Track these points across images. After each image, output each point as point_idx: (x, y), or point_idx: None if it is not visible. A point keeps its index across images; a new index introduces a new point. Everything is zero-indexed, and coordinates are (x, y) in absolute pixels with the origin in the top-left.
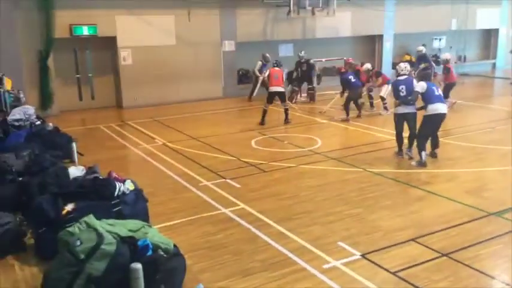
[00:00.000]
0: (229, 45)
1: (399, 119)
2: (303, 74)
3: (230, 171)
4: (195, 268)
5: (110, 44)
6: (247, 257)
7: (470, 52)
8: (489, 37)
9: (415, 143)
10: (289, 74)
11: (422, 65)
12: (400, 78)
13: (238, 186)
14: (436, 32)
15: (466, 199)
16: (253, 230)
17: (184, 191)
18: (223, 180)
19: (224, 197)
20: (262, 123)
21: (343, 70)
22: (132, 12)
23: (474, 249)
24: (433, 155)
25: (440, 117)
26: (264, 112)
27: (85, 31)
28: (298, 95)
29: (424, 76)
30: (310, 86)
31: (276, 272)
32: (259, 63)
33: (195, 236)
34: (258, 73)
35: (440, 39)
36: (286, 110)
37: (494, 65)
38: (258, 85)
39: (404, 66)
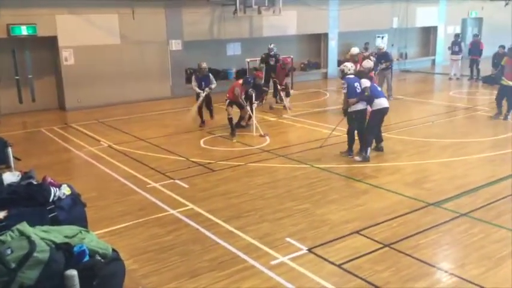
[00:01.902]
0: (176, 44)
1: (356, 117)
2: (269, 69)
3: (179, 172)
4: (141, 272)
5: (50, 44)
6: (195, 258)
7: (411, 49)
8: (428, 34)
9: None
10: (255, 69)
11: (384, 64)
12: (350, 76)
13: (186, 186)
14: (378, 30)
15: (408, 191)
16: (202, 230)
17: (131, 193)
18: (172, 181)
19: (172, 198)
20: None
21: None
22: (74, 11)
23: (415, 239)
24: (380, 148)
25: (385, 111)
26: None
27: (24, 31)
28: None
29: (361, 73)
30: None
31: (224, 271)
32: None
33: (142, 239)
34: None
35: (382, 37)
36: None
37: (433, 61)
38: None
39: (351, 66)
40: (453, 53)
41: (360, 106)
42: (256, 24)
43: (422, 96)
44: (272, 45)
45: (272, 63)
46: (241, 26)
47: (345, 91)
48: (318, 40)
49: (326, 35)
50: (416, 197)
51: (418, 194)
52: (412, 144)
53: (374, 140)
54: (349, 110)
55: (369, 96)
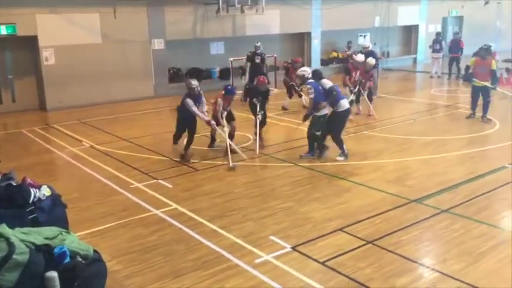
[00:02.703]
0: (158, 44)
1: (323, 120)
2: (255, 67)
3: (162, 172)
4: (124, 273)
5: (30, 43)
6: (179, 258)
7: (393, 48)
8: (410, 33)
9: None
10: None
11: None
12: (311, 80)
13: (170, 186)
14: (361, 29)
15: (390, 188)
16: (186, 229)
17: (114, 194)
18: (155, 181)
19: (156, 198)
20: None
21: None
22: (54, 10)
23: (397, 236)
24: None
25: (349, 112)
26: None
27: (3, 30)
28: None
29: (318, 74)
30: None
31: (208, 270)
32: None
33: (125, 240)
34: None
35: (365, 36)
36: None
37: (415, 59)
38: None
39: (309, 69)
40: (434, 51)
41: (327, 110)
42: (239, 23)
43: (404, 94)
44: (259, 44)
45: (258, 61)
46: (224, 25)
47: (312, 96)
48: (301, 39)
49: (309, 34)
50: (398, 194)
51: (400, 191)
52: (393, 142)
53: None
54: (317, 114)
55: (336, 96)
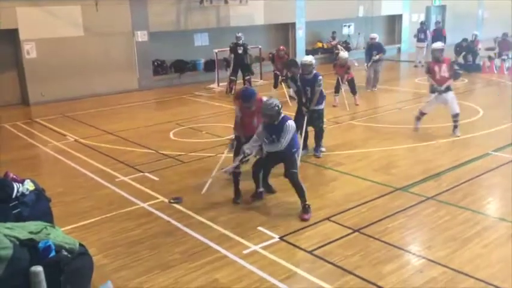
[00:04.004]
0: (142, 36)
1: (319, 115)
2: (238, 59)
3: (148, 165)
4: (111, 266)
5: (11, 37)
6: (166, 250)
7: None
8: (394, 23)
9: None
10: (225, 60)
11: (376, 56)
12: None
13: (156, 179)
14: (345, 19)
15: (376, 177)
16: (173, 222)
17: (100, 188)
18: (141, 174)
19: (142, 191)
20: None
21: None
22: (35, 3)
23: (383, 223)
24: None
25: None
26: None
27: None
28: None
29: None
30: (247, 75)
31: (196, 262)
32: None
33: (112, 234)
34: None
35: (349, 26)
36: None
37: (399, 49)
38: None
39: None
40: (419, 40)
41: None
42: (223, 14)
43: (389, 83)
44: (240, 34)
45: (240, 51)
46: (208, 16)
47: (321, 87)
48: (286, 30)
49: (293, 24)
50: (384, 183)
51: (385, 179)
52: (379, 131)
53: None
54: (321, 107)
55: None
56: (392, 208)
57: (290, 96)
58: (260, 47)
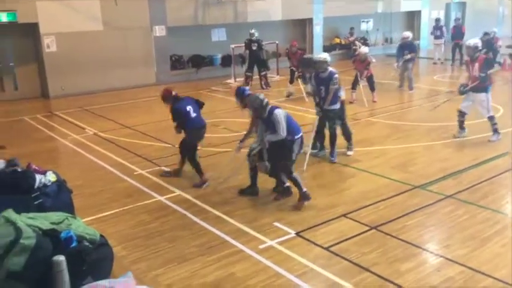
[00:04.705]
0: (160, 30)
1: (336, 115)
2: (253, 55)
3: (166, 159)
4: (129, 258)
5: (31, 30)
6: (183, 243)
7: (396, 34)
8: (413, 19)
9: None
10: (241, 56)
11: (408, 56)
12: (334, 70)
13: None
14: (363, 15)
15: (393, 174)
16: (190, 215)
17: (118, 181)
18: (159, 167)
19: (159, 184)
20: None
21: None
22: None
23: (401, 221)
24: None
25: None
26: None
27: (3, 18)
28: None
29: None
30: (263, 71)
31: (213, 255)
32: None
33: (130, 226)
34: None
35: (367, 22)
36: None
37: (418, 45)
38: None
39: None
40: (435, 37)
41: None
42: (241, 9)
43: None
44: (253, 31)
45: (255, 48)
46: (226, 11)
47: (337, 86)
48: (303, 25)
49: (311, 20)
50: (402, 180)
51: (403, 177)
52: (397, 128)
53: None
54: (335, 107)
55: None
56: (410, 206)
57: (307, 93)
58: (277, 42)
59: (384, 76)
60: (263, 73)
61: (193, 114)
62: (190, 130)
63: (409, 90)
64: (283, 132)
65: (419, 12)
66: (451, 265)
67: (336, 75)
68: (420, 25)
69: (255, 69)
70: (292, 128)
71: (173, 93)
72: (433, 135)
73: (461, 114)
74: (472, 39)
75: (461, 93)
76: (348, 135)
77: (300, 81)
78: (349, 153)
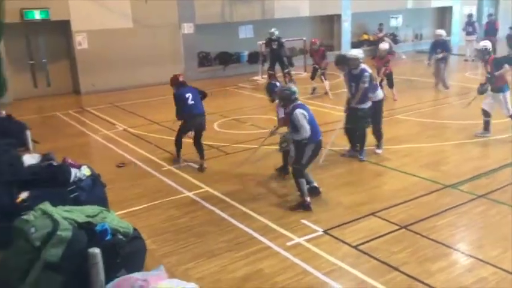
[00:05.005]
0: (188, 28)
1: (369, 113)
2: (273, 53)
3: (193, 155)
4: (160, 252)
5: (63, 28)
6: (212, 239)
7: (426, 30)
8: (444, 15)
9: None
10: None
11: (440, 55)
12: (366, 67)
13: None
14: (392, 11)
15: (424, 173)
16: (218, 211)
17: (147, 176)
18: (187, 163)
19: (188, 180)
20: None
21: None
22: None
23: (431, 221)
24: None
25: (383, 103)
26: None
27: (37, 15)
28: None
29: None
30: (285, 69)
31: (241, 251)
32: None
33: (160, 221)
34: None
35: (397, 18)
36: None
37: (449, 42)
38: None
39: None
40: (467, 33)
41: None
42: (268, 6)
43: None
44: (273, 30)
45: (275, 47)
46: (253, 8)
47: (366, 84)
48: (331, 22)
49: (339, 16)
50: (433, 179)
51: (434, 175)
52: (427, 126)
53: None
54: (364, 106)
55: (375, 85)
56: (441, 205)
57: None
58: (304, 39)
59: (413, 73)
60: (286, 70)
61: (191, 102)
62: (187, 116)
63: (444, 89)
64: (305, 132)
65: (450, 7)
66: (483, 266)
67: (367, 73)
68: (452, 21)
69: (278, 67)
70: (314, 128)
71: (180, 79)
72: (464, 133)
73: (486, 114)
74: (482, 42)
75: (481, 93)
76: (378, 136)
77: (322, 78)
78: (377, 151)
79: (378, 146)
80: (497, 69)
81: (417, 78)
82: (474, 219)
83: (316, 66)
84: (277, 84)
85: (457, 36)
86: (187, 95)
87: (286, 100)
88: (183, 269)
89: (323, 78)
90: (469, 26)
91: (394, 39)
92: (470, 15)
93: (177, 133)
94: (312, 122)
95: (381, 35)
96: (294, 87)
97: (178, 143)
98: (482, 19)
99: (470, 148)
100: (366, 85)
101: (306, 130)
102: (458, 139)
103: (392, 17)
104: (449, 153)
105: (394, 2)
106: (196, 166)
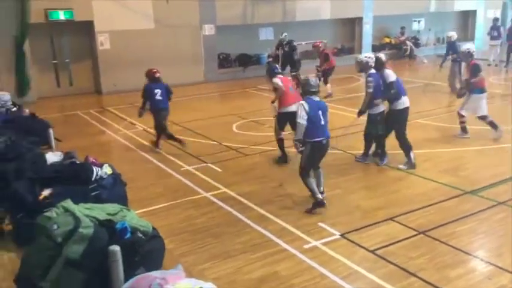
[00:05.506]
0: (209, 29)
1: (381, 119)
2: (285, 55)
3: (211, 156)
4: (177, 251)
5: (87, 28)
6: (228, 240)
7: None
8: (467, 19)
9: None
10: (269, 56)
11: (450, 56)
12: (374, 72)
13: (219, 170)
14: (415, 14)
15: (443, 178)
16: (235, 213)
17: (166, 176)
18: (205, 164)
19: (206, 181)
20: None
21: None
22: None
23: (451, 227)
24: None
25: (408, 112)
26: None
27: (61, 16)
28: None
29: (381, 63)
30: (293, 71)
31: (257, 253)
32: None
33: (177, 220)
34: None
35: (419, 21)
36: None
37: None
38: None
39: (373, 57)
40: (492, 38)
41: (382, 108)
42: (289, 7)
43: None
44: (283, 35)
45: (286, 49)
46: (274, 9)
47: (370, 90)
48: (352, 24)
49: (360, 19)
50: (452, 185)
51: (454, 181)
52: (447, 131)
53: (375, 145)
54: (372, 112)
55: (396, 94)
56: (461, 211)
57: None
58: (325, 41)
59: (434, 77)
60: (293, 73)
61: (158, 97)
62: (154, 110)
63: (452, 92)
64: (300, 119)
65: (474, 11)
66: (502, 273)
67: (370, 79)
68: (475, 25)
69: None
70: (315, 128)
71: (156, 75)
72: (483, 139)
73: (461, 116)
74: (466, 44)
75: (460, 96)
76: (404, 148)
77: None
78: (401, 166)
79: (405, 163)
80: (474, 75)
81: (438, 82)
82: (494, 227)
83: (318, 68)
84: (277, 67)
85: (480, 41)
86: (156, 91)
87: (302, 89)
88: (199, 269)
89: (321, 79)
90: (494, 30)
91: (416, 42)
92: (496, 19)
93: (161, 132)
94: (315, 117)
95: (402, 38)
96: (314, 80)
97: (165, 133)
98: (507, 23)
99: (490, 154)
100: (369, 90)
101: (301, 118)
102: (479, 144)
103: (414, 21)
104: (469, 159)
105: (417, 5)
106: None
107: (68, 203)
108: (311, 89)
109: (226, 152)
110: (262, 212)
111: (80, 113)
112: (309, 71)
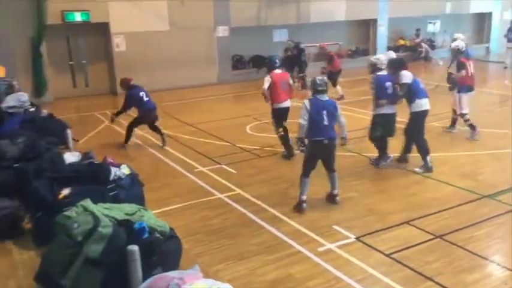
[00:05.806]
0: (223, 31)
1: (381, 121)
2: (292, 58)
3: (225, 157)
4: (192, 252)
5: (103, 30)
6: (243, 241)
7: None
8: (483, 21)
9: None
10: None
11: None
12: (381, 73)
13: (233, 171)
14: (430, 16)
15: (461, 182)
16: (249, 214)
17: (180, 176)
18: (219, 165)
19: (220, 182)
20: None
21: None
22: None
23: (468, 231)
24: (403, 159)
25: (426, 114)
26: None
27: (77, 17)
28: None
29: (400, 64)
30: (300, 72)
31: (271, 255)
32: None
33: (192, 221)
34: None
35: (434, 23)
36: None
37: (488, 48)
38: None
39: (385, 58)
40: (509, 40)
41: (388, 110)
42: (304, 9)
43: (476, 85)
44: (288, 43)
45: (295, 52)
46: (288, 11)
47: (372, 91)
48: (367, 26)
49: (375, 20)
50: (470, 189)
51: (471, 185)
52: (464, 135)
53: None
54: (375, 112)
55: (405, 96)
56: (478, 216)
57: None
58: (340, 43)
59: (441, 79)
60: (300, 75)
61: (146, 98)
62: (144, 111)
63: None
64: (301, 119)
65: (490, 13)
66: None
67: (371, 80)
68: (491, 27)
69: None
70: (317, 128)
71: (131, 83)
72: (500, 142)
73: (454, 111)
74: (456, 42)
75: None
76: (422, 152)
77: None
78: (417, 170)
79: (421, 166)
80: (458, 71)
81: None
82: (511, 231)
83: (324, 71)
84: (277, 60)
85: (496, 43)
86: (141, 94)
87: (311, 88)
88: (214, 270)
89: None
90: (511, 32)
91: (431, 44)
92: None
93: (131, 123)
94: (316, 118)
95: (418, 40)
96: (321, 79)
97: (129, 132)
98: None
99: (508, 157)
100: (371, 91)
101: (303, 117)
102: (496, 148)
103: (429, 23)
104: (486, 163)
105: (432, 7)
106: (221, 165)
107: (87, 203)
108: (318, 88)
109: (240, 154)
110: (277, 213)
111: (96, 114)
112: (316, 73)
